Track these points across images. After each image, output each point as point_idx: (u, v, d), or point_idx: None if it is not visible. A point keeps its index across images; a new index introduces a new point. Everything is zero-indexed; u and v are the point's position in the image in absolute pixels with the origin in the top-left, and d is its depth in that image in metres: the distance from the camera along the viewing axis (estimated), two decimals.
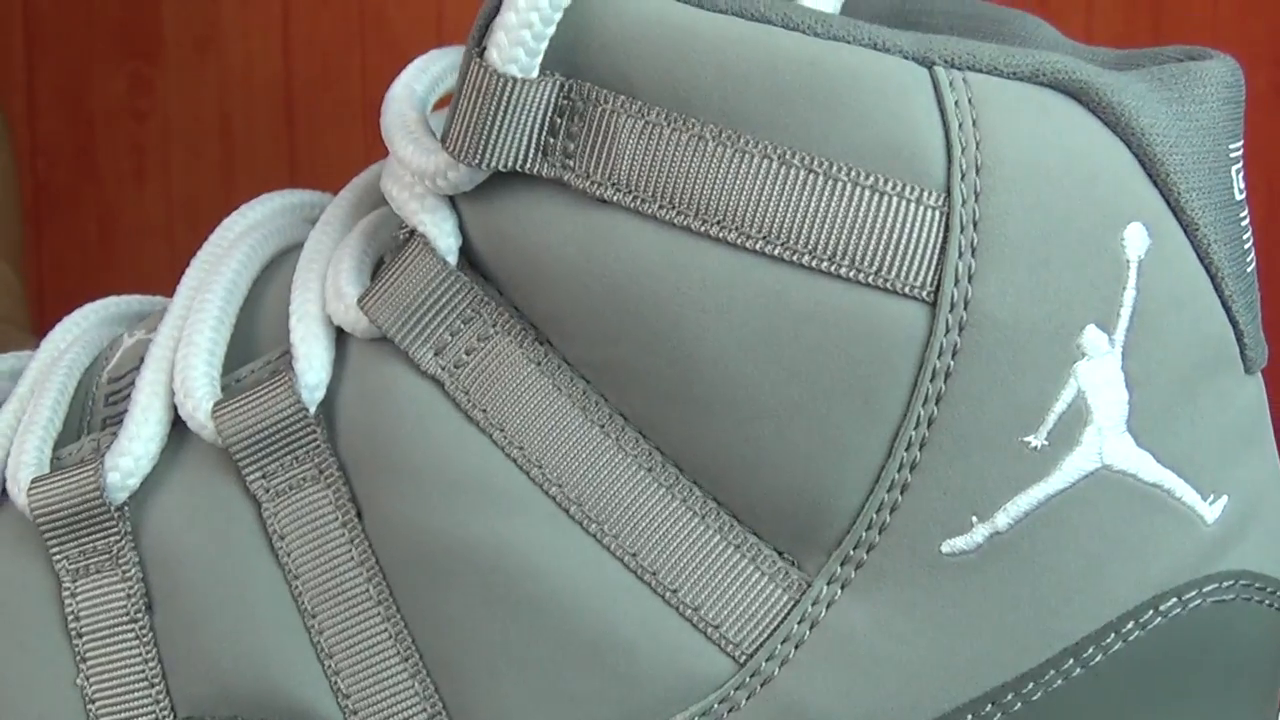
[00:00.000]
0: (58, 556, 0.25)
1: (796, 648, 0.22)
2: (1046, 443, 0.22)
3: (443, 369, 0.24)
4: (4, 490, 0.26)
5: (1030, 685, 0.23)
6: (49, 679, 0.25)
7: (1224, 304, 0.23)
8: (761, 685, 0.22)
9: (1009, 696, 0.23)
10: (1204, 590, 0.23)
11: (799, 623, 0.22)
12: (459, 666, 0.23)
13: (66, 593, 0.25)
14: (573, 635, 0.23)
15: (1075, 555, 0.22)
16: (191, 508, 0.25)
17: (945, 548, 0.22)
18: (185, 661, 0.24)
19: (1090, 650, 0.23)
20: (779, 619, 0.22)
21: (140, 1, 0.56)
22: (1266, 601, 0.24)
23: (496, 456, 0.23)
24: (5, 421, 0.27)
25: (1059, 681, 0.23)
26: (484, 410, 0.23)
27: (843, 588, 0.22)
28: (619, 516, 0.23)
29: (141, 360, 0.26)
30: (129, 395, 0.26)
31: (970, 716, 0.23)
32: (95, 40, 0.56)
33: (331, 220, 0.26)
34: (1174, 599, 0.23)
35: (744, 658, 0.23)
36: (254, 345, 0.26)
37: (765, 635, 0.22)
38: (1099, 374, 0.22)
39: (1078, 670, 0.23)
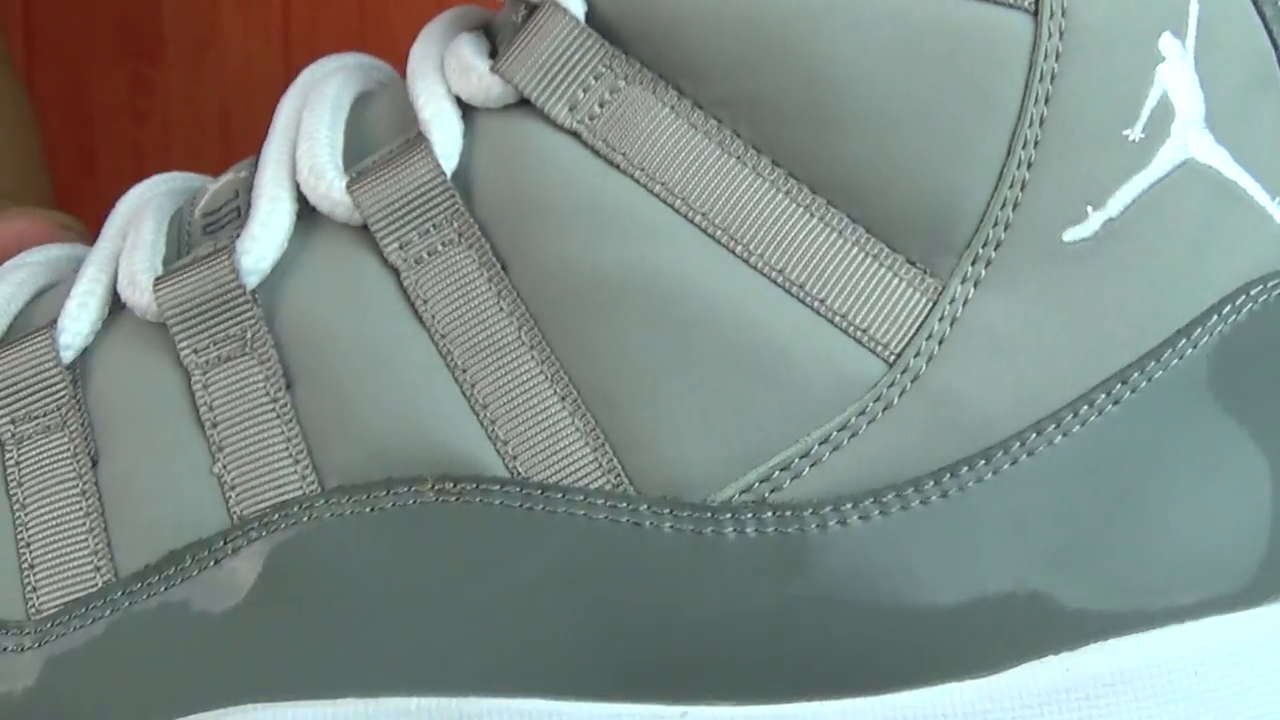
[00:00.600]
0: (185, 350, 0.26)
1: (940, 344, 0.24)
2: (1143, 135, 0.25)
3: (579, 122, 0.25)
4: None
5: (1152, 364, 0.25)
6: (184, 471, 0.25)
7: (1265, 25, 0.26)
8: (911, 382, 0.24)
9: (1135, 375, 0.25)
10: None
11: (939, 320, 0.24)
12: (620, 395, 0.24)
13: (197, 385, 0.26)
14: (732, 348, 0.24)
15: (1177, 240, 0.25)
16: (326, 285, 0.26)
17: (1066, 236, 0.24)
18: (332, 432, 0.25)
19: (1198, 332, 0.25)
20: (921, 319, 0.24)
21: (140, 1, 0.56)
22: None
23: (639, 193, 0.25)
24: (103, 252, 0.27)
25: (1174, 361, 0.25)
26: (623, 154, 0.25)
27: (976, 285, 0.24)
28: (762, 237, 0.24)
29: (236, 192, 0.27)
30: (230, 220, 0.27)
31: (1104, 395, 0.25)
32: (95, 40, 0.56)
33: (428, 36, 0.27)
34: (1260, 285, 0.25)
35: (893, 357, 0.24)
36: (367, 147, 0.27)
37: (910, 334, 0.24)
38: (1177, 76, 0.25)
39: (1189, 351, 0.25)
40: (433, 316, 0.25)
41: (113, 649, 0.25)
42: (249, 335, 0.26)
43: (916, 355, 0.24)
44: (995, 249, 0.24)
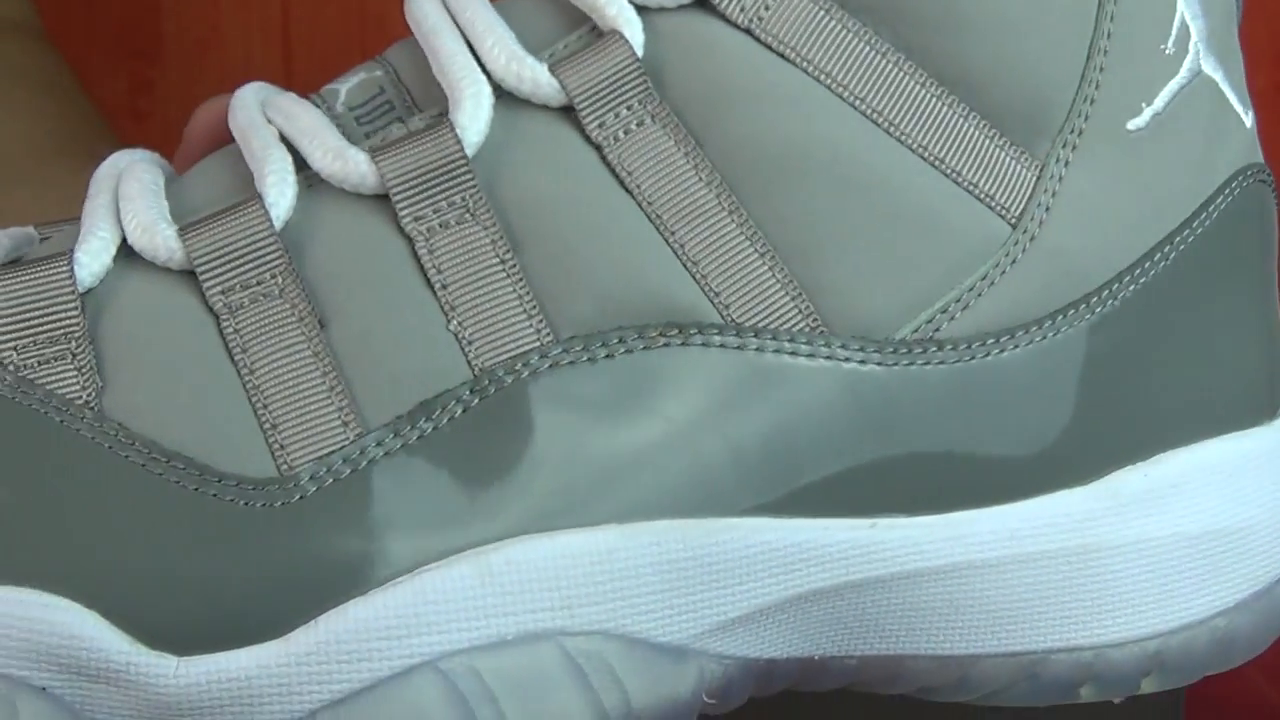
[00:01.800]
0: (408, 218, 0.28)
1: (1047, 210, 0.29)
2: (1173, 49, 0.30)
3: (750, 21, 0.29)
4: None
5: (1185, 231, 0.30)
6: (420, 329, 0.27)
7: None
8: (1030, 241, 0.29)
9: (1176, 238, 0.30)
10: (1250, 172, 0.32)
11: (1044, 192, 0.29)
12: (811, 251, 0.28)
13: (423, 250, 0.28)
14: (900, 210, 0.29)
15: (1197, 134, 0.31)
16: (535, 161, 0.28)
17: (1129, 126, 0.30)
18: (560, 288, 0.28)
19: (1210, 207, 0.31)
20: (1030, 189, 0.29)
21: (140, 1, 0.56)
22: (1268, 184, 0.33)
23: (809, 81, 0.29)
24: (265, 135, 0.29)
25: (1199, 228, 0.31)
26: (791, 48, 0.29)
27: (1066, 165, 0.29)
28: (909, 120, 0.29)
29: (381, 89, 0.30)
30: (384, 112, 0.29)
31: (1159, 253, 0.30)
32: (95, 40, 0.56)
33: None
34: (1242, 175, 0.32)
35: (1014, 220, 0.29)
36: (540, 42, 0.29)
37: (1025, 202, 0.29)
38: (1189, 6, 0.30)
39: (1206, 222, 0.31)
40: (638, 186, 0.28)
41: (368, 497, 0.26)
42: (471, 203, 0.28)
43: (1031, 219, 0.29)
44: (1079, 136, 0.30)
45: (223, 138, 0.31)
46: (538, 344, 0.27)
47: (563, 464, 0.27)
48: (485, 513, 0.27)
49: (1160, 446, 0.30)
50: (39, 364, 0.27)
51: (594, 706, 0.27)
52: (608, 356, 0.27)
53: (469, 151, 0.28)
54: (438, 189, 0.28)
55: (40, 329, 0.27)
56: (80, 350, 0.27)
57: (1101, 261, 0.30)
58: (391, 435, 0.27)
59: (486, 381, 0.27)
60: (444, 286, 0.27)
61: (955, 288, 0.29)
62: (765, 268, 0.28)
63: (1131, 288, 0.30)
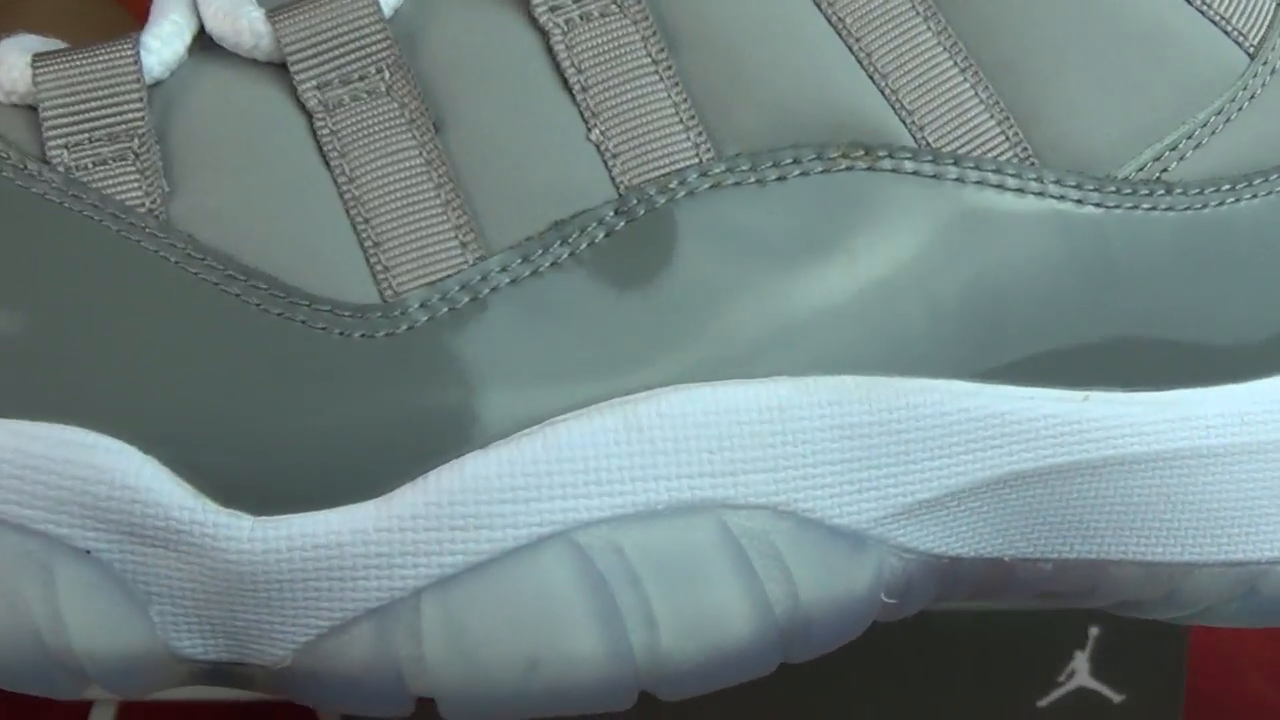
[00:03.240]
0: (543, 7, 0.24)
1: None
2: None
3: None
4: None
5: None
6: (555, 138, 0.24)
7: None
8: (1271, 74, 0.26)
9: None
10: None
11: None
12: (1022, 69, 0.25)
13: (559, 45, 0.24)
14: (1130, 26, 0.25)
15: None
16: None
17: None
18: (724, 96, 0.24)
19: None
20: (1271, 14, 0.26)
21: (140, 1, 0.56)
22: None
23: None
24: None
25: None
26: None
27: None
28: None
29: None
30: None
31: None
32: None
33: None
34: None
35: (1253, 49, 0.25)
36: None
37: (1265, 29, 0.26)
38: None
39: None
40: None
41: (490, 331, 0.23)
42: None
43: (1273, 50, 0.26)
44: None
45: None
46: (696, 160, 0.24)
47: (724, 303, 0.23)
48: (631, 356, 0.23)
49: None
50: (94, 164, 0.23)
51: (756, 599, 0.23)
52: (779, 179, 0.24)
53: None
54: None
55: (98, 124, 0.24)
56: (144, 149, 0.23)
57: None
58: (519, 260, 0.23)
59: (634, 201, 0.23)
60: (584, 89, 0.24)
61: (1187, 122, 0.25)
62: (967, 85, 0.25)
63: None
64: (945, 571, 0.25)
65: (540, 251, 0.23)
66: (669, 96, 0.24)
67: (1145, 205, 0.25)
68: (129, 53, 0.24)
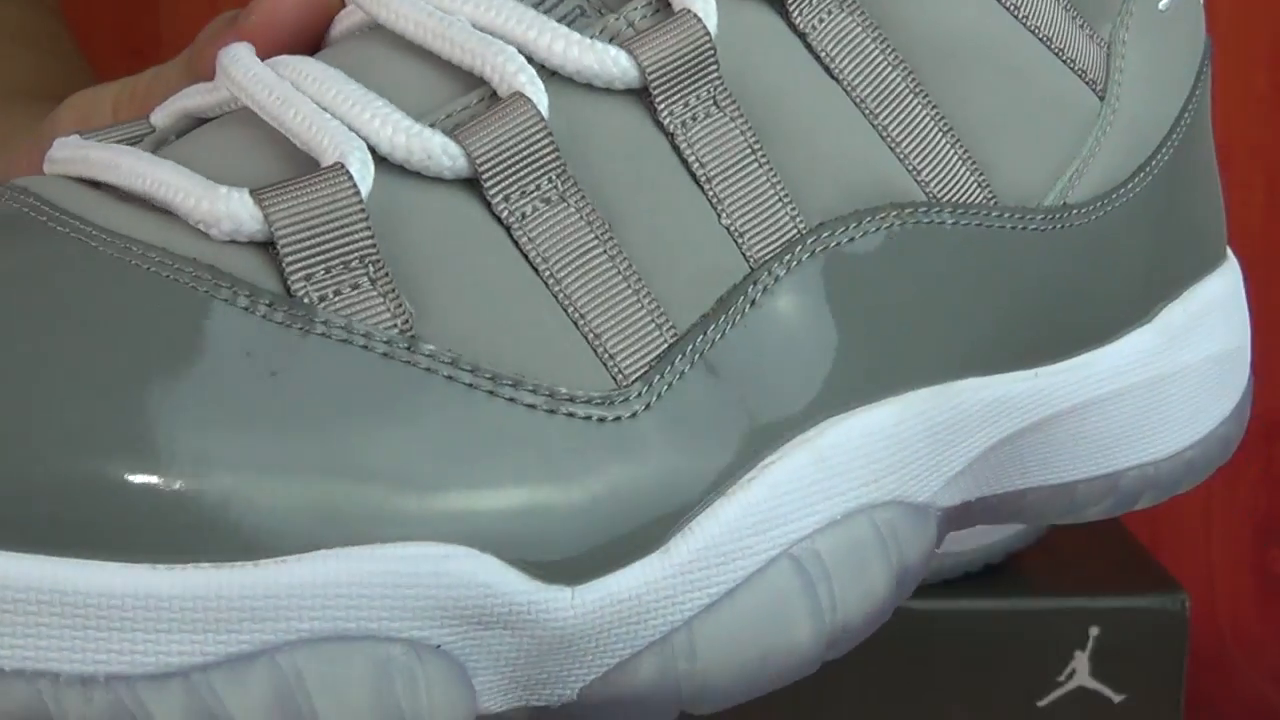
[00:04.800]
0: (665, 113, 0.27)
1: (1119, 83, 0.32)
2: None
3: None
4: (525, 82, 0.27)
5: (1195, 91, 0.34)
6: (701, 226, 0.27)
7: None
8: (1113, 112, 0.32)
9: (1194, 93, 0.34)
10: (1207, 44, 0.36)
11: (1115, 68, 0.32)
12: (982, 130, 0.30)
13: (683, 144, 0.27)
14: (1035, 90, 0.31)
15: (1195, 13, 0.35)
16: (757, 49, 0.28)
17: (1160, 6, 0.33)
18: (806, 178, 0.28)
19: (1201, 71, 0.35)
20: (1105, 64, 0.32)
21: (140, 1, 0.56)
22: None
23: None
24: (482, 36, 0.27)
25: (1199, 91, 0.35)
26: None
27: (1125, 43, 0.32)
28: (1026, 5, 0.31)
29: None
30: (577, 16, 0.28)
31: (1185, 110, 0.34)
32: (95, 40, 0.56)
33: None
34: (1206, 46, 0.36)
35: (1101, 93, 0.32)
36: None
37: (1104, 76, 0.32)
38: None
39: (1200, 83, 0.35)
40: (841, 72, 0.29)
41: (705, 397, 0.26)
42: (717, 95, 0.28)
43: (1111, 93, 0.32)
44: (1130, 16, 0.32)
45: (315, 28, 0.29)
46: (795, 232, 0.28)
47: (854, 345, 0.28)
48: (794, 402, 0.27)
49: (1188, 282, 0.35)
50: (334, 293, 0.24)
51: (892, 571, 0.28)
52: (849, 240, 0.28)
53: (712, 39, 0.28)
54: (689, 80, 0.27)
55: (332, 253, 0.24)
56: (379, 274, 0.25)
57: (1156, 126, 0.33)
58: (701, 336, 0.26)
59: (765, 274, 0.27)
60: (708, 180, 0.27)
61: (1076, 158, 0.32)
62: (948, 145, 0.30)
63: (1172, 146, 0.34)
64: (952, 519, 0.31)
65: (713, 325, 0.27)
66: (768, 181, 0.28)
67: (1058, 225, 0.31)
68: (346, 180, 0.25)
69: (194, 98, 0.29)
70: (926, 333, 0.29)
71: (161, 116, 0.29)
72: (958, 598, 0.53)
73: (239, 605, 0.22)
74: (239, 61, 0.27)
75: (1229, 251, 0.37)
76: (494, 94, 0.26)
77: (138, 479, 0.22)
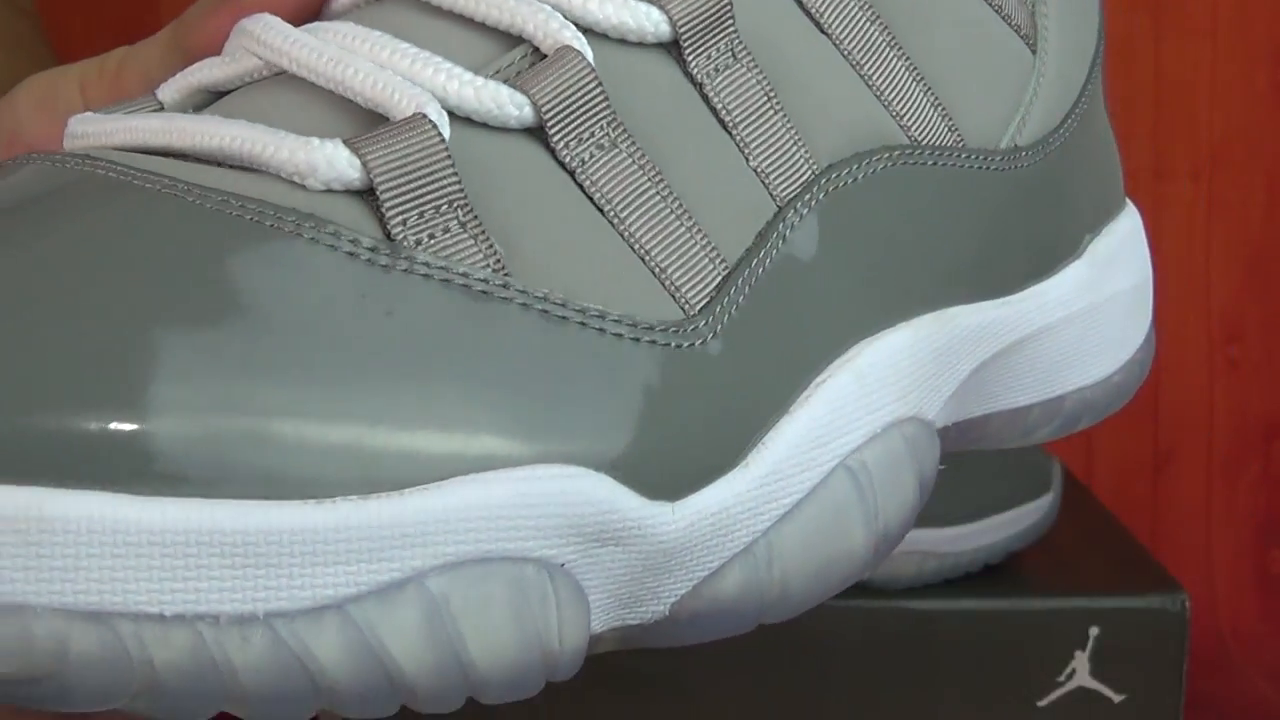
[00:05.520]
0: (694, 64, 0.29)
1: (1046, 40, 0.35)
2: None
3: None
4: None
5: (1097, 48, 0.37)
6: (733, 170, 0.29)
7: None
8: (1043, 64, 0.35)
9: (1097, 51, 0.37)
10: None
11: (1042, 27, 0.35)
12: (948, 78, 0.32)
13: (710, 93, 0.29)
14: (986, 40, 0.33)
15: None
16: (762, 16, 0.30)
17: None
18: (814, 124, 0.30)
19: (1099, 27, 0.37)
20: (1031, 22, 0.34)
21: (140, 1, 0.56)
22: None
23: None
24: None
25: (1098, 46, 0.37)
26: None
27: (1045, 5, 0.35)
28: None
29: None
30: None
31: (1092, 66, 0.37)
32: (95, 40, 0.56)
33: None
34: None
35: (1033, 47, 0.35)
36: None
37: (1033, 32, 0.34)
38: None
39: (1099, 38, 0.37)
40: (828, 25, 0.31)
41: (761, 324, 0.28)
42: (735, 49, 0.29)
43: (1041, 40, 0.35)
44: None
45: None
46: (810, 174, 0.30)
47: (868, 274, 0.30)
48: (829, 328, 0.29)
49: (1105, 220, 0.37)
50: (429, 237, 0.25)
51: (918, 480, 0.30)
52: (854, 180, 0.30)
53: None
54: (713, 33, 0.29)
55: (426, 199, 0.25)
56: (469, 218, 0.26)
57: (1075, 78, 0.36)
58: (748, 269, 0.28)
59: (791, 211, 0.29)
60: (734, 126, 0.29)
61: (1021, 105, 0.34)
62: (921, 93, 0.32)
63: (1087, 97, 0.36)
64: (940, 440, 0.33)
65: (755, 259, 0.28)
66: (784, 126, 0.30)
67: (1012, 165, 0.34)
68: (431, 129, 0.26)
69: (208, 71, 0.29)
70: (922, 263, 0.31)
71: (170, 92, 0.29)
72: (958, 598, 0.53)
73: (390, 533, 0.23)
74: (273, 29, 0.28)
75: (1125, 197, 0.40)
76: (535, 50, 0.27)
77: (286, 421, 0.23)
